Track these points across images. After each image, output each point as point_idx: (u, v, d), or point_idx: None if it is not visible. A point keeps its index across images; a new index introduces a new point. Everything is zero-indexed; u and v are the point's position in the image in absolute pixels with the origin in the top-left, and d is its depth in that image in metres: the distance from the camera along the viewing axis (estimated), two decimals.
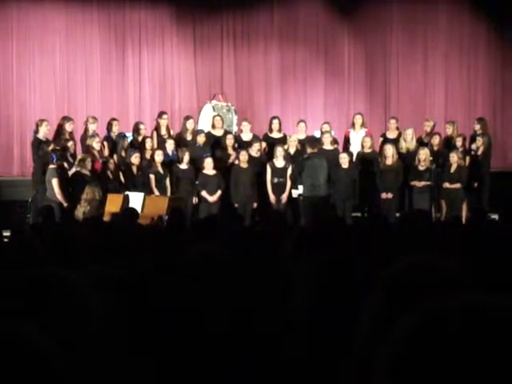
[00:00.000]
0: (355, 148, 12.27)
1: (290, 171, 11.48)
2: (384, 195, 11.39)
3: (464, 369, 0.87)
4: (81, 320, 1.38)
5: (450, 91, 15.20)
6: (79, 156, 10.97)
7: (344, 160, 11.39)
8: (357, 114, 12.93)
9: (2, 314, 1.42)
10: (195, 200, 11.43)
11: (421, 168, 11.48)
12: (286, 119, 13.83)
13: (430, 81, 15.19)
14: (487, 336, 0.88)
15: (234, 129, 13.22)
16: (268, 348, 2.20)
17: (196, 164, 11.61)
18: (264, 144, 12.32)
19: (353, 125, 12.81)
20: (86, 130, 11.91)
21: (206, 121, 13.02)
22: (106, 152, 11.76)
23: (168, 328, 2.27)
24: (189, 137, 12.34)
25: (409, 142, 12.18)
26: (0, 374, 1.04)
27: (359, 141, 12.18)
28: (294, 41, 15.11)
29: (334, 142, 12.27)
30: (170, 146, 11.93)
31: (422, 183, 11.40)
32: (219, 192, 11.38)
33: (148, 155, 11.70)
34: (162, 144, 12.06)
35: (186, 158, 11.45)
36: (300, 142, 12.14)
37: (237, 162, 11.69)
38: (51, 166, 10.58)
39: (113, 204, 9.87)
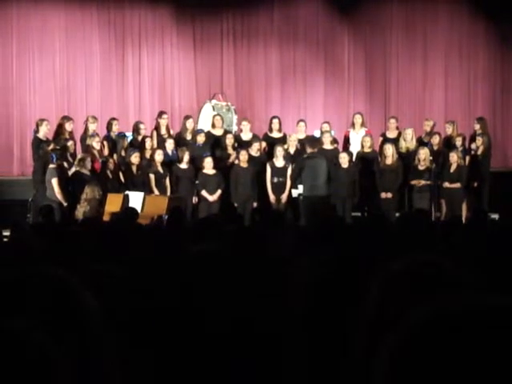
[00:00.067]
0: (355, 148, 12.27)
1: (289, 171, 11.49)
2: (384, 195, 11.40)
3: (464, 369, 0.87)
4: (72, 317, 1.37)
5: (449, 91, 15.20)
6: (79, 156, 10.97)
7: (344, 160, 11.39)
8: (356, 114, 12.93)
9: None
10: (195, 199, 11.44)
11: (421, 168, 11.48)
12: (286, 119, 13.83)
13: (430, 81, 15.19)
14: (488, 336, 0.88)
15: (234, 128, 13.22)
16: (268, 348, 2.20)
17: (196, 163, 11.61)
18: (264, 144, 12.32)
19: (353, 124, 12.81)
20: (86, 129, 11.91)
21: (206, 120, 13.02)
22: (106, 152, 11.76)
23: (168, 328, 2.27)
24: (189, 136, 12.34)
25: (409, 141, 12.19)
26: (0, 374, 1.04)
27: (359, 140, 12.18)
28: (293, 41, 15.11)
29: (334, 141, 12.28)
30: (169, 145, 11.94)
31: (422, 183, 11.40)
32: (219, 191, 11.38)
33: (148, 155, 11.69)
34: (161, 144, 12.06)
35: (186, 157, 11.45)
36: (300, 141, 12.14)
37: (237, 161, 11.68)
38: (51, 166, 10.58)
39: (112, 204, 9.87)
